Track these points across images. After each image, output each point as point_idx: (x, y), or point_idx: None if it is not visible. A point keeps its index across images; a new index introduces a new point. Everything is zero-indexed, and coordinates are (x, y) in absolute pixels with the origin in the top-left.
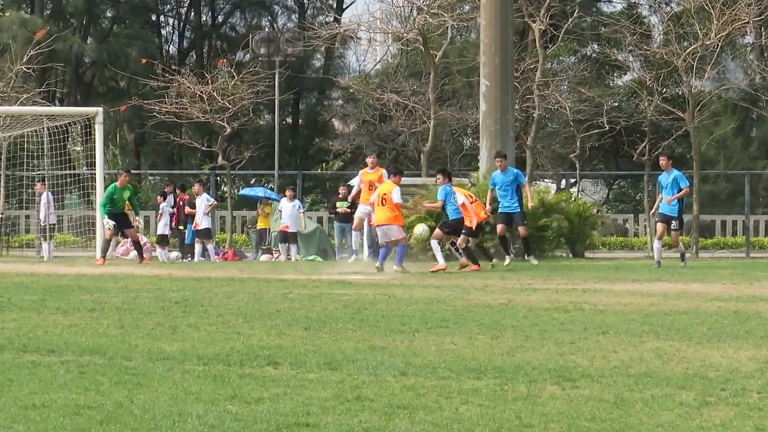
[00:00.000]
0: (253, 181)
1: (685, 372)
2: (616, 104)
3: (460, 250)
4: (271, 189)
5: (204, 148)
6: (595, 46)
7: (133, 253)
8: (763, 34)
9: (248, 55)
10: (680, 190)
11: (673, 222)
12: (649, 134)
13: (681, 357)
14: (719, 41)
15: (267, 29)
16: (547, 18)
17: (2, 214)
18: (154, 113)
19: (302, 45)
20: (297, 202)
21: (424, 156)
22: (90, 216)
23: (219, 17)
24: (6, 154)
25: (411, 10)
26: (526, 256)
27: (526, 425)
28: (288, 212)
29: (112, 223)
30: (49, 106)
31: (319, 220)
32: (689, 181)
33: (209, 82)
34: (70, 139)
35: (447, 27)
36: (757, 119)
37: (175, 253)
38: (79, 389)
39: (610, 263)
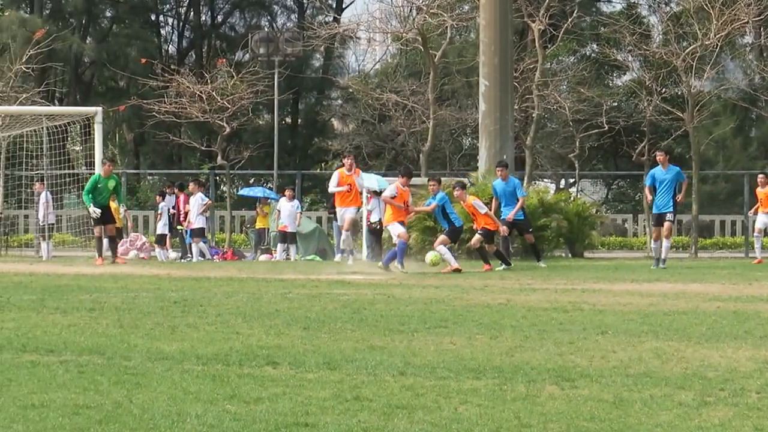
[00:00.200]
0: (252, 181)
1: (684, 372)
2: (616, 104)
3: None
4: (270, 189)
5: (203, 148)
6: (595, 46)
7: (133, 253)
8: (763, 34)
9: (247, 55)
10: (681, 185)
11: (669, 215)
12: (648, 134)
13: (680, 357)
14: (718, 41)
15: (266, 29)
16: (547, 18)
17: (1, 213)
18: (154, 113)
19: (301, 45)
20: (296, 202)
21: (423, 156)
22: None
23: (218, 17)
24: (5, 154)
25: (410, 9)
26: (537, 262)
27: (525, 425)
28: (287, 212)
29: (98, 210)
30: (49, 105)
31: (318, 220)
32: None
33: (208, 81)
34: (69, 138)
35: (446, 27)
36: (756, 119)
37: (174, 253)
38: (78, 389)
39: (609, 263)
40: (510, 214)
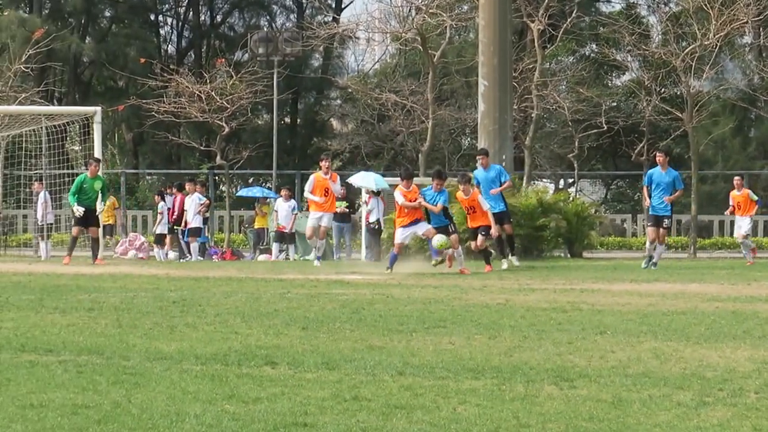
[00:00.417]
0: (251, 181)
1: (683, 372)
2: (615, 104)
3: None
4: (269, 189)
5: (202, 148)
6: (594, 46)
7: (132, 253)
8: (762, 34)
9: (247, 55)
10: (676, 191)
11: (666, 220)
12: (647, 134)
13: (679, 357)
14: (718, 41)
15: (265, 29)
16: (546, 18)
17: (0, 213)
18: (153, 113)
19: (301, 45)
20: (293, 202)
21: (422, 156)
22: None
23: (217, 17)
24: (4, 154)
25: (410, 9)
26: (509, 255)
27: (524, 425)
28: (284, 212)
29: (82, 209)
30: (48, 105)
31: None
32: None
33: (208, 81)
34: (68, 138)
35: (445, 27)
36: (755, 119)
37: (173, 253)
38: (77, 389)
39: (608, 263)
40: (497, 189)
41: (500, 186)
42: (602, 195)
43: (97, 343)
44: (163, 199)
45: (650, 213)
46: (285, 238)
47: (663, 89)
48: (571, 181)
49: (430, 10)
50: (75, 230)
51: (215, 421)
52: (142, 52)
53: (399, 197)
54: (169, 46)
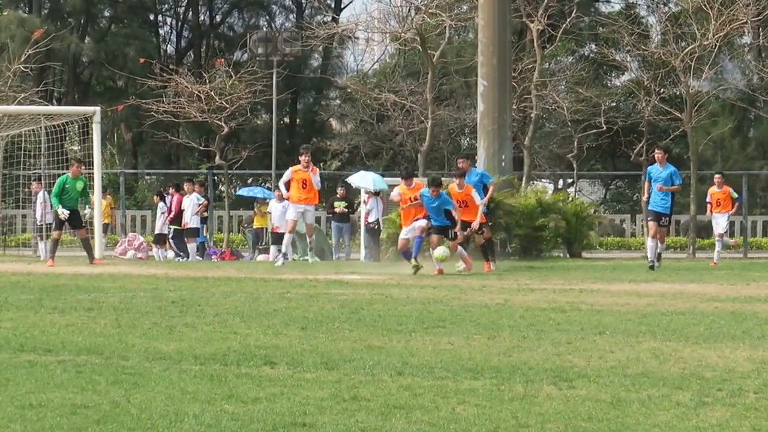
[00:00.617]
0: (250, 181)
1: (682, 372)
2: (614, 104)
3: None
4: (269, 189)
5: (201, 148)
6: (593, 46)
7: (131, 253)
8: (761, 34)
9: (246, 55)
10: (674, 185)
11: (663, 218)
12: (646, 134)
13: (678, 357)
14: (717, 41)
15: (265, 29)
16: (545, 18)
17: None
18: (152, 113)
19: (300, 45)
20: (286, 202)
21: (421, 156)
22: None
23: (217, 17)
24: (3, 154)
25: (409, 9)
26: (487, 260)
27: (523, 425)
28: (277, 213)
29: (67, 212)
30: (47, 105)
31: (317, 220)
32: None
33: (207, 81)
34: (67, 138)
35: (445, 27)
36: (754, 119)
37: (172, 253)
38: (76, 389)
39: (607, 263)
40: (485, 198)
41: (483, 191)
42: (601, 195)
43: (96, 343)
44: (162, 199)
45: (649, 208)
46: (281, 239)
47: (662, 89)
48: (570, 181)
49: (430, 10)
50: (56, 233)
51: (214, 421)
52: (141, 52)
53: (395, 194)
54: (169, 46)
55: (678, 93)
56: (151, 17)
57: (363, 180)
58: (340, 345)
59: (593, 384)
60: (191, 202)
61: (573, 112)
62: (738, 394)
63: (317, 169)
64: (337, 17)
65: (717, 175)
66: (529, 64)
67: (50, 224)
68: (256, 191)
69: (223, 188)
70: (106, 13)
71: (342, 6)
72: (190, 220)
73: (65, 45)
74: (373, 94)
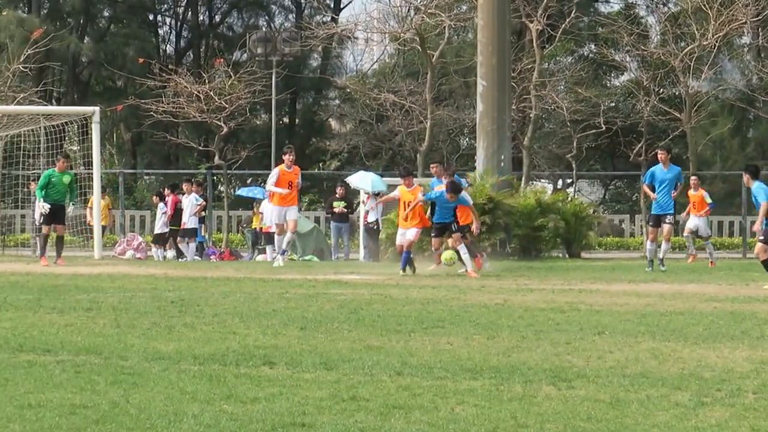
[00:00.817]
0: (249, 181)
1: (681, 372)
2: (613, 104)
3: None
4: None
5: (201, 148)
6: (592, 46)
7: (130, 253)
8: (760, 34)
9: (245, 55)
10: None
11: (669, 217)
12: (645, 135)
13: (677, 357)
14: (716, 42)
15: (264, 29)
16: (545, 18)
17: None
18: (151, 113)
19: (299, 45)
20: None
21: (420, 156)
22: (87, 216)
23: (216, 17)
24: (3, 153)
25: (408, 9)
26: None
27: (522, 425)
28: (269, 214)
29: (47, 206)
30: (46, 105)
31: (316, 220)
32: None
33: (206, 81)
34: (67, 138)
35: (444, 27)
36: (753, 120)
37: (171, 253)
38: (75, 389)
39: (606, 264)
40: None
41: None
42: (600, 195)
43: (95, 343)
44: (162, 200)
45: (652, 213)
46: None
47: (661, 89)
48: (569, 181)
49: (429, 10)
50: (45, 229)
51: (213, 421)
52: (140, 52)
53: (394, 194)
54: (168, 46)
55: (677, 93)
56: (151, 17)
57: (362, 181)
58: (339, 345)
59: (592, 384)
60: (190, 203)
61: (572, 113)
62: (737, 395)
63: (299, 170)
64: (336, 17)
65: (693, 177)
66: (528, 64)
67: None
68: (255, 191)
69: (222, 188)
70: (106, 13)
71: (341, 6)
72: (188, 221)
73: (64, 45)
74: (373, 94)
